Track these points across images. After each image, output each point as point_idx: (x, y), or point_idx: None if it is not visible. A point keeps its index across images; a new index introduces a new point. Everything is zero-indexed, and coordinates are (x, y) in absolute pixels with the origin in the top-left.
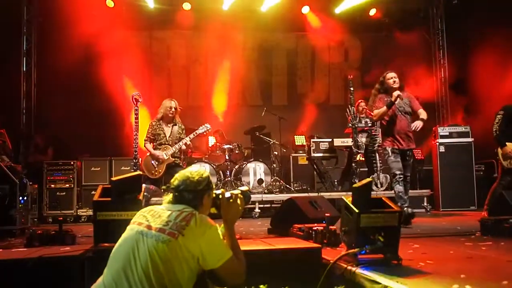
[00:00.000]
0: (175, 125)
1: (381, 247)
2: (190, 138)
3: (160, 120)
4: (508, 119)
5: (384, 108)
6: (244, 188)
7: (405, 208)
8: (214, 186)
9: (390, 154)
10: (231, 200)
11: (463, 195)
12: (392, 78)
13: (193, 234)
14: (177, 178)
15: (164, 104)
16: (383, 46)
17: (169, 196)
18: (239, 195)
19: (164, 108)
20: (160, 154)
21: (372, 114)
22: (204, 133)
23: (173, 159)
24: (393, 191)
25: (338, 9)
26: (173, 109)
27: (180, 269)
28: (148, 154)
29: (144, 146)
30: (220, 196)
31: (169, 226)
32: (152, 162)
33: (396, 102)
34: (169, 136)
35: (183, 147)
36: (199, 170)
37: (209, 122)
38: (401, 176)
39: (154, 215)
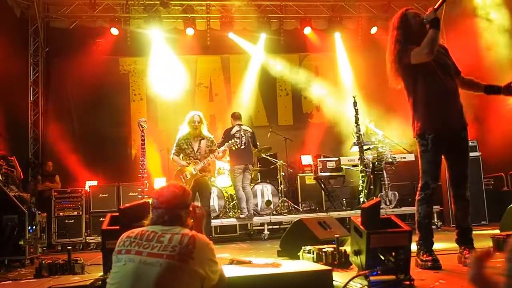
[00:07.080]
0: (203, 139)
1: (392, 267)
2: (221, 149)
3: (187, 134)
4: None
5: (431, 31)
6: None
7: None
8: None
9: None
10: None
11: (473, 210)
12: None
13: (200, 256)
14: (166, 195)
15: (187, 118)
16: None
17: (155, 216)
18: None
19: (188, 122)
20: (188, 170)
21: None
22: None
23: (202, 174)
24: (401, 208)
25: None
26: (196, 123)
27: None
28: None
29: (172, 159)
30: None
31: (177, 251)
32: (181, 176)
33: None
34: (197, 151)
35: (215, 159)
36: (179, 184)
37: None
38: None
39: (149, 239)
